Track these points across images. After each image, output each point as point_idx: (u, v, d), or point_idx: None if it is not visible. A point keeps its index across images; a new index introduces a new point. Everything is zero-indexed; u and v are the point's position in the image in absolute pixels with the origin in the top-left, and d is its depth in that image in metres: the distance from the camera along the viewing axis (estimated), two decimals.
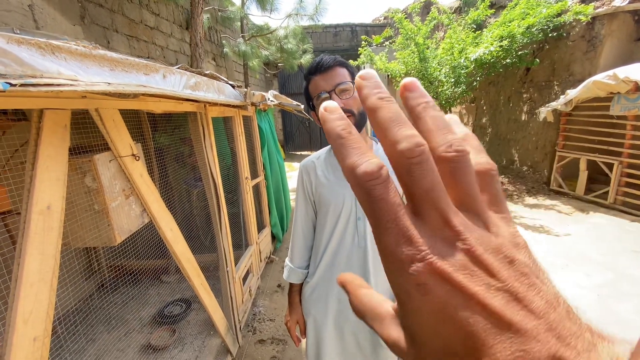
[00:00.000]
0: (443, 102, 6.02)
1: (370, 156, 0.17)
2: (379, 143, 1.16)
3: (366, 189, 0.17)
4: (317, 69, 1.01)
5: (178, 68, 1.19)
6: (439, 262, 0.15)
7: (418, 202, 0.17)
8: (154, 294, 2.72)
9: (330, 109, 0.19)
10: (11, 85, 0.53)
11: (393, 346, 0.18)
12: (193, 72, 1.28)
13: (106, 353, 2.10)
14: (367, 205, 0.17)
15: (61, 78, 0.63)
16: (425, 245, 0.16)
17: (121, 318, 2.43)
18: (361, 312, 0.21)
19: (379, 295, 0.21)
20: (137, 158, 1.12)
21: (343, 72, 1.01)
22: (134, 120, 1.99)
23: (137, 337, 2.20)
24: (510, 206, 4.70)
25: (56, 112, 0.83)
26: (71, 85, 0.64)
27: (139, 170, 1.15)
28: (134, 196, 1.15)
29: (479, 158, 0.20)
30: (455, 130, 0.19)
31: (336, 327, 1.16)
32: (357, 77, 0.20)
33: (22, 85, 0.55)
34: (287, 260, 1.29)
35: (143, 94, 0.96)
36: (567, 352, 0.14)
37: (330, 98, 0.98)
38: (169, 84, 1.00)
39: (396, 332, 0.18)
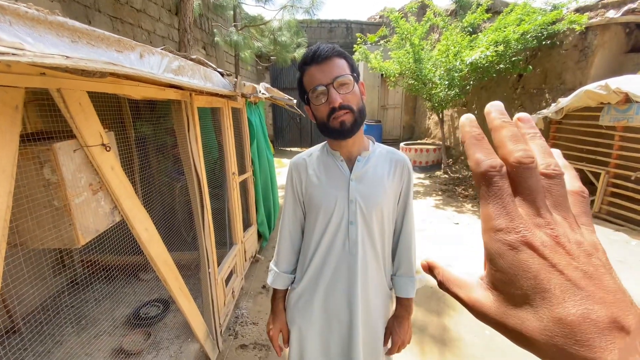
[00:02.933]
0: (435, 104, 6.00)
1: (496, 156, 0.23)
2: (376, 143, 1.07)
3: (488, 177, 0.22)
4: (313, 59, 0.89)
5: (161, 49, 1.06)
6: (530, 237, 0.20)
7: (522, 196, 0.22)
8: (129, 292, 2.55)
9: (471, 120, 0.25)
10: None
11: (474, 305, 0.23)
12: (177, 54, 1.15)
13: (73, 357, 1.94)
14: (485, 191, 0.22)
15: (0, 45, 0.50)
16: (522, 224, 0.21)
17: (92, 318, 2.27)
18: (449, 284, 0.26)
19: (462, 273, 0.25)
20: (107, 148, 0.98)
21: (342, 64, 0.89)
22: (112, 107, 1.84)
23: (108, 340, 2.05)
24: None
25: (5, 90, 0.69)
26: (14, 55, 0.51)
27: (109, 162, 1.01)
28: (103, 191, 1.01)
29: (575, 182, 0.25)
30: (557, 160, 0.24)
31: (322, 338, 1.08)
32: (489, 107, 0.26)
33: None
34: (272, 264, 1.19)
35: (113, 74, 0.82)
36: (625, 320, 0.17)
37: (327, 92, 0.87)
38: (147, 65, 0.87)
39: (479, 293, 0.23)
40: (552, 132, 4.96)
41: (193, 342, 1.94)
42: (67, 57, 0.60)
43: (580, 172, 4.52)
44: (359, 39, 6.70)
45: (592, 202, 4.33)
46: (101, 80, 0.92)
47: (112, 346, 1.97)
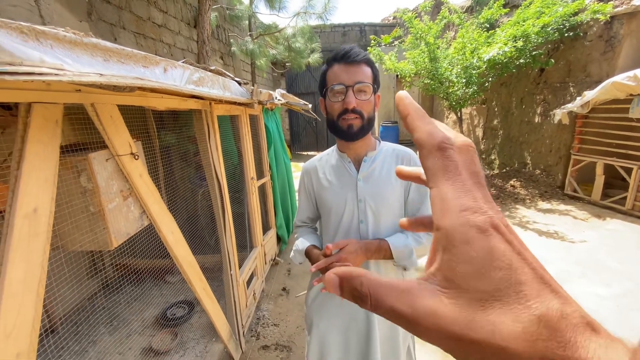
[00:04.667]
0: (453, 103, 5.90)
1: (443, 128, 0.22)
2: (382, 142, 1.10)
3: (444, 149, 0.19)
4: (343, 57, 0.93)
5: (182, 62, 1.12)
6: (496, 219, 0.17)
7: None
8: (157, 294, 2.67)
9: (408, 95, 0.23)
10: None
11: (425, 318, 0.16)
12: (197, 67, 1.22)
13: (107, 355, 2.05)
14: (441, 166, 0.19)
15: (44, 67, 0.56)
16: (485, 204, 0.18)
17: (123, 319, 2.39)
18: (380, 294, 0.18)
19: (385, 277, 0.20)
20: (136, 157, 1.05)
21: (367, 72, 0.94)
22: (139, 118, 1.94)
23: (138, 340, 2.15)
24: (524, 211, 4.56)
25: (46, 107, 0.77)
26: (56, 75, 0.58)
27: (138, 170, 1.08)
28: (133, 197, 1.08)
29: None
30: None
31: (340, 336, 1.10)
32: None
33: None
34: (295, 238, 1.21)
35: (141, 88, 0.89)
36: (588, 317, 0.16)
37: (346, 93, 0.91)
38: (170, 78, 0.93)
39: (429, 300, 0.17)
40: (579, 126, 4.76)
41: (217, 342, 2.00)
42: (101, 74, 0.66)
43: (610, 167, 4.32)
44: (372, 41, 6.70)
45: (624, 198, 4.12)
46: (130, 94, 0.99)
47: (142, 345, 2.07)
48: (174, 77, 0.95)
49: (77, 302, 2.41)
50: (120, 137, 1.01)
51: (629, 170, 4.06)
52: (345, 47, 0.94)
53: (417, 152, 0.21)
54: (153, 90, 1.11)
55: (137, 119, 1.67)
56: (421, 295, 0.17)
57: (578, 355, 0.14)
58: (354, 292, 0.19)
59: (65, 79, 0.58)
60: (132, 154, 1.03)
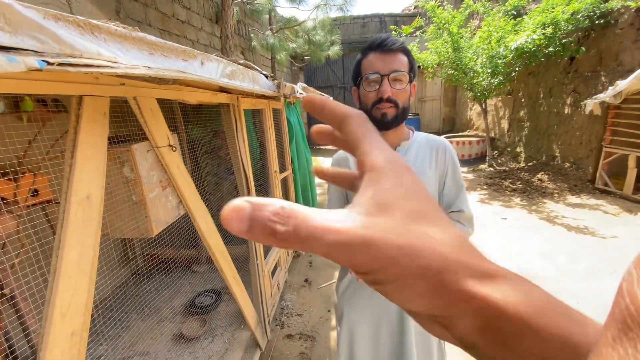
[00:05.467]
0: (478, 94, 5.74)
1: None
2: (415, 132, 1.08)
3: (362, 118, 0.23)
4: (379, 46, 0.93)
5: (215, 56, 1.15)
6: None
7: None
8: (185, 283, 2.76)
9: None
10: (48, 63, 0.49)
11: (362, 239, 0.16)
12: (229, 60, 1.24)
13: (140, 340, 2.15)
14: (364, 127, 0.22)
15: (101, 59, 0.59)
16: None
17: (154, 306, 2.49)
18: (307, 230, 0.16)
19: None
20: (174, 149, 1.09)
21: (403, 61, 0.92)
22: (168, 112, 2.00)
23: (169, 326, 2.24)
24: (551, 205, 4.40)
25: (95, 99, 0.80)
26: (111, 67, 0.60)
27: (175, 162, 1.12)
28: (171, 187, 1.13)
29: None
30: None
31: (371, 326, 1.10)
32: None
33: (60, 64, 0.51)
34: None
35: (182, 81, 0.92)
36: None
37: (381, 81, 0.90)
38: (207, 71, 0.96)
39: (359, 223, 0.17)
40: (611, 117, 4.53)
41: (244, 329, 2.06)
42: (149, 67, 0.69)
43: None
44: (393, 32, 6.58)
45: None
46: (167, 87, 1.03)
47: (173, 331, 2.16)
48: (210, 70, 0.98)
49: (111, 289, 2.53)
50: (159, 129, 1.05)
51: None
52: (381, 36, 0.93)
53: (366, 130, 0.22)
54: (188, 83, 1.14)
55: (166, 114, 1.72)
56: (347, 222, 0.17)
57: (481, 262, 0.17)
58: (268, 231, 0.16)
59: (119, 71, 0.60)
60: (170, 145, 1.07)
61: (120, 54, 0.67)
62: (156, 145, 1.02)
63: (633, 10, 4.35)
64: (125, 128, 1.16)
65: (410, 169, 0.20)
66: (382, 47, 0.91)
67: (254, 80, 1.43)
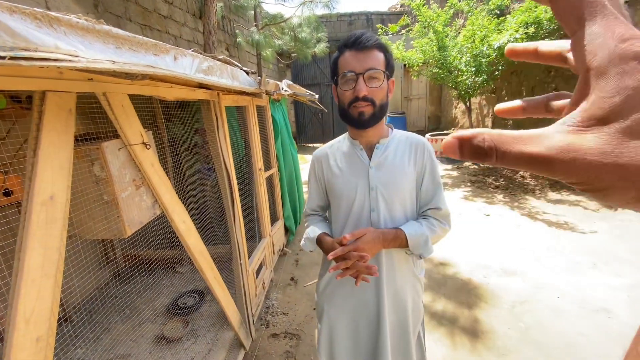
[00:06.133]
0: (462, 92, 5.82)
1: None
2: (394, 130, 1.08)
3: None
4: (353, 44, 0.91)
5: (191, 51, 1.12)
6: None
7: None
8: (167, 284, 2.71)
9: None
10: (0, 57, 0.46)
11: (565, 153, 0.16)
12: (206, 55, 1.21)
13: (121, 343, 2.10)
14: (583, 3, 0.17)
15: (59, 53, 0.56)
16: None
17: (135, 308, 2.44)
18: (507, 144, 0.18)
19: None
20: (147, 146, 1.05)
21: (379, 58, 0.91)
22: (146, 109, 1.95)
23: (150, 328, 2.19)
24: (533, 201, 4.51)
25: (60, 95, 0.77)
26: (70, 61, 0.57)
27: (150, 160, 1.09)
28: (145, 187, 1.09)
29: None
30: None
31: (350, 323, 1.11)
32: None
33: (12, 58, 0.48)
34: (306, 226, 1.21)
35: (152, 76, 0.89)
36: None
37: (356, 80, 0.89)
38: (180, 66, 0.93)
39: (567, 137, 0.17)
40: None
41: (228, 330, 2.03)
42: (114, 62, 0.66)
43: None
44: (379, 30, 6.60)
45: None
46: (140, 83, 0.99)
47: (154, 333, 2.11)
48: (184, 66, 0.95)
49: (89, 291, 2.46)
50: (131, 126, 1.01)
51: None
52: (356, 33, 0.92)
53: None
54: (162, 79, 1.11)
55: (145, 111, 1.68)
56: (554, 136, 0.17)
57: None
58: (477, 149, 0.18)
59: (80, 65, 0.58)
60: (143, 143, 1.04)
61: (83, 47, 0.64)
62: (128, 143, 0.99)
63: None
64: (97, 125, 1.12)
65: None
66: (357, 44, 0.90)
67: (234, 77, 1.41)
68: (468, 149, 0.19)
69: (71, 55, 0.58)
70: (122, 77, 0.80)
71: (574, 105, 0.18)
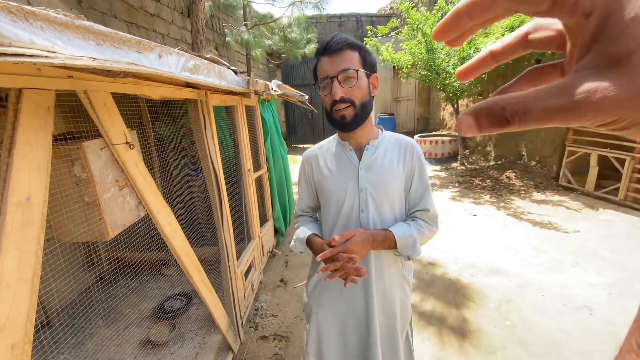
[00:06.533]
0: (450, 95, 5.90)
1: None
2: (384, 131, 1.09)
3: None
4: (325, 50, 0.92)
5: (178, 49, 1.10)
6: None
7: None
8: (154, 287, 2.66)
9: None
10: None
11: (593, 94, 0.16)
12: (193, 54, 1.19)
13: (104, 348, 2.04)
14: None
15: (34, 48, 0.54)
16: None
17: (120, 312, 2.38)
18: (525, 107, 0.17)
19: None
20: (131, 146, 1.03)
21: (351, 57, 0.91)
22: (132, 108, 1.91)
23: (135, 332, 2.14)
24: (519, 202, 4.60)
25: (37, 93, 0.74)
26: (47, 57, 0.55)
27: (133, 160, 1.06)
28: (129, 187, 1.06)
29: None
30: None
31: (339, 324, 1.11)
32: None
33: None
34: (296, 227, 1.21)
35: (135, 74, 0.87)
36: None
37: (331, 84, 0.89)
38: (165, 64, 0.91)
39: (589, 79, 0.16)
40: None
41: (216, 333, 2.00)
42: (94, 58, 0.64)
43: (604, 158, 4.36)
44: (369, 32, 6.64)
45: (617, 189, 4.17)
46: (123, 81, 0.97)
47: (139, 338, 2.07)
48: (169, 64, 0.93)
49: (72, 295, 2.39)
50: (114, 125, 0.98)
51: (622, 161, 4.11)
52: (327, 38, 0.92)
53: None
54: (147, 77, 1.08)
55: (131, 110, 1.64)
56: (576, 82, 0.17)
57: None
58: (498, 119, 0.18)
59: (56, 61, 0.56)
60: (127, 143, 1.01)
61: (61, 43, 0.62)
62: (111, 143, 0.96)
63: None
64: (79, 124, 1.09)
65: None
66: (329, 49, 0.90)
67: (221, 76, 1.39)
68: (487, 121, 0.18)
69: (48, 51, 0.56)
70: (103, 74, 0.77)
71: (583, 51, 0.18)
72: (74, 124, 1.08)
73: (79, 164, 0.91)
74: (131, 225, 1.30)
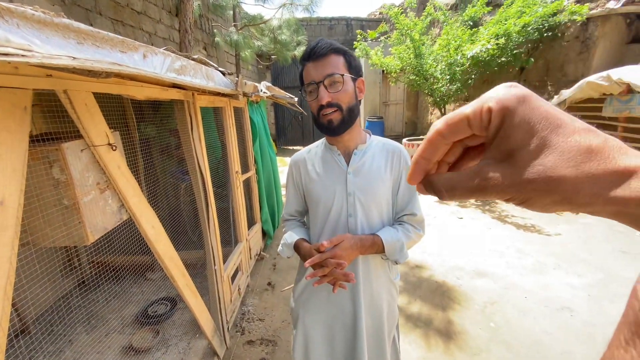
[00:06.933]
0: (437, 99, 5.99)
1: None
2: (372, 136, 1.09)
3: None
4: (310, 55, 0.92)
5: (164, 49, 1.07)
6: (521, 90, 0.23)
7: None
8: (137, 291, 2.59)
9: None
10: None
11: (494, 181, 0.22)
12: (180, 55, 1.17)
13: (84, 355, 1.98)
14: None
15: (10, 47, 0.52)
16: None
17: (102, 317, 2.31)
18: (460, 183, 0.24)
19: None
20: (113, 148, 1.00)
21: (337, 61, 0.91)
22: (116, 108, 1.86)
23: (118, 338, 2.08)
24: (503, 205, 4.70)
25: (13, 92, 0.71)
26: (23, 56, 0.53)
27: (116, 162, 1.03)
28: (111, 190, 1.03)
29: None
30: None
31: (326, 329, 1.10)
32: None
33: None
34: (283, 232, 1.19)
35: (118, 75, 0.84)
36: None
37: (317, 89, 0.89)
38: (150, 65, 0.89)
39: (492, 170, 0.22)
40: None
41: (201, 338, 1.97)
42: (74, 58, 0.62)
43: None
44: (359, 36, 6.70)
45: None
46: (106, 81, 0.94)
47: (122, 344, 2.01)
48: (154, 64, 0.91)
49: (50, 301, 2.31)
50: (96, 126, 0.95)
51: None
52: (311, 44, 0.93)
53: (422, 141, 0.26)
54: (131, 77, 1.06)
55: (115, 110, 1.60)
56: (483, 170, 0.23)
57: (615, 164, 0.19)
58: (434, 190, 0.26)
59: (33, 60, 0.53)
60: (109, 144, 0.98)
61: (38, 41, 0.59)
62: (92, 144, 0.93)
63: (579, 24, 4.76)
64: (61, 124, 1.05)
65: (523, 97, 0.22)
66: (313, 54, 0.90)
67: (208, 77, 1.37)
68: (428, 191, 0.27)
69: (24, 50, 0.54)
70: (84, 74, 0.75)
71: (488, 145, 0.24)
72: (55, 124, 1.05)
73: (57, 165, 0.88)
74: (114, 229, 1.27)
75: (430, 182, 0.26)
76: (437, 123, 0.25)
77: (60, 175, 0.88)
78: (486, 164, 0.23)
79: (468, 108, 0.24)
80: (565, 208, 0.21)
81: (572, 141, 0.20)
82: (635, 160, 0.19)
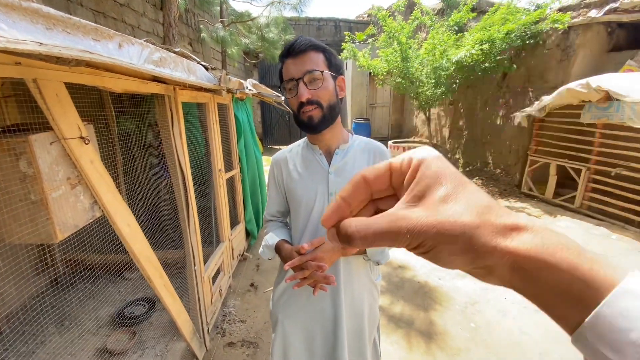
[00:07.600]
0: (422, 103, 6.07)
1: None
2: (354, 135, 1.08)
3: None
4: (289, 52, 0.91)
5: (144, 41, 1.03)
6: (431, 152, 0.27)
7: None
8: (114, 291, 2.51)
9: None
10: None
11: (414, 227, 0.23)
12: (160, 46, 1.13)
13: (56, 357, 1.89)
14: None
15: None
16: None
17: (75, 318, 2.22)
18: (371, 229, 0.24)
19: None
20: (86, 141, 0.95)
21: (316, 58, 0.90)
22: (94, 101, 1.79)
23: (92, 340, 2.00)
24: None
25: None
26: None
27: (88, 156, 0.98)
28: (82, 186, 0.99)
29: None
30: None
31: (305, 332, 1.09)
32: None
33: None
34: (265, 231, 1.17)
35: (91, 63, 0.80)
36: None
37: (297, 86, 0.88)
38: (126, 55, 0.85)
39: (407, 215, 0.24)
40: (536, 129, 5.07)
41: (179, 340, 1.92)
42: (41, 43, 0.58)
43: (563, 168, 4.65)
44: (347, 37, 6.71)
45: (574, 197, 4.46)
46: (79, 71, 0.90)
47: (96, 346, 1.93)
48: (131, 55, 0.87)
49: (22, 300, 2.20)
50: (67, 118, 0.91)
51: (578, 171, 4.40)
52: (291, 41, 0.92)
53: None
54: (108, 68, 1.01)
55: (92, 102, 1.53)
56: (399, 211, 0.24)
57: (507, 219, 0.22)
58: (345, 237, 0.25)
59: None
60: (81, 137, 0.94)
61: (4, 26, 0.56)
62: (63, 137, 0.88)
63: (560, 32, 4.91)
64: (34, 115, 1.00)
65: (428, 158, 0.25)
66: (292, 51, 0.89)
67: (190, 71, 1.33)
68: (341, 237, 0.26)
69: None
70: (52, 62, 0.71)
71: (404, 190, 0.26)
72: (28, 114, 0.99)
73: (25, 158, 0.83)
74: (88, 226, 1.21)
75: (343, 225, 0.26)
76: (364, 170, 0.28)
77: (28, 169, 0.83)
78: (400, 207, 0.25)
79: (393, 159, 0.27)
80: (467, 260, 0.22)
81: (474, 196, 0.23)
82: (523, 219, 0.22)
